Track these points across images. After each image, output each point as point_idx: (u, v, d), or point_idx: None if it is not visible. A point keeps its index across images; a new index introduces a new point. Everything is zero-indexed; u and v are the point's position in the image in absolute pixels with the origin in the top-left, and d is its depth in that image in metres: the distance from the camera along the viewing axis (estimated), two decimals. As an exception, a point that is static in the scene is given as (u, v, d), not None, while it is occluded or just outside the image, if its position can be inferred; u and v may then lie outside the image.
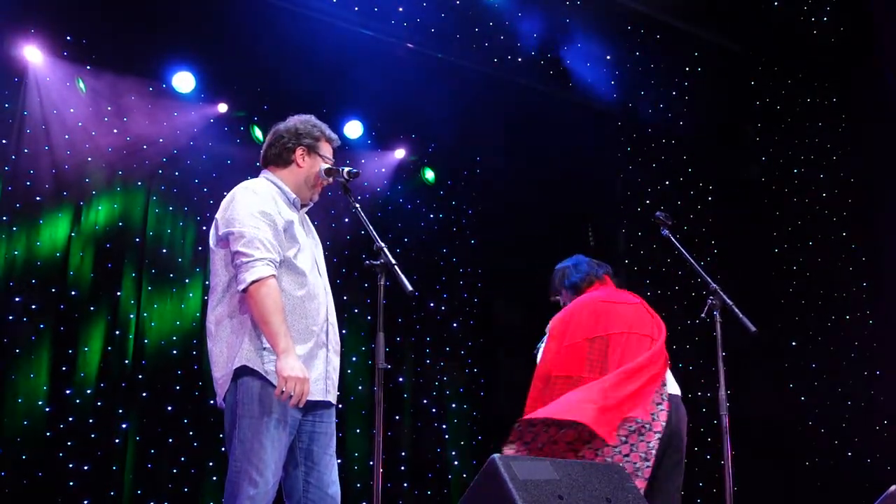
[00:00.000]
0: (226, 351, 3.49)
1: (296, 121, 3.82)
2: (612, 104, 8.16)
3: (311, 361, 3.50)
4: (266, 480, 3.35)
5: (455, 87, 7.74)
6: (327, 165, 3.74)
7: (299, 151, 3.74)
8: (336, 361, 3.67)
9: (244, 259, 3.40)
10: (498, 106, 7.97)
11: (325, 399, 3.56)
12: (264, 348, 3.42)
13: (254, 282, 3.36)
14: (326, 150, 3.79)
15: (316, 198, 3.80)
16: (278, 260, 3.46)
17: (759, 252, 7.44)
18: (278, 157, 3.76)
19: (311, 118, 3.84)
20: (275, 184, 3.71)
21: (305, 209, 3.82)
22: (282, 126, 3.83)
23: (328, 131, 3.83)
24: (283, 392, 3.29)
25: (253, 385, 3.41)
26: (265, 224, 3.47)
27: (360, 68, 7.24)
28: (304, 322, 3.51)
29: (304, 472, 3.56)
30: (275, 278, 3.40)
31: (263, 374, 3.40)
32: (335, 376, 3.65)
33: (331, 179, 3.75)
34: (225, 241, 3.52)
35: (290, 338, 3.36)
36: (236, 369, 3.43)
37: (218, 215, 3.59)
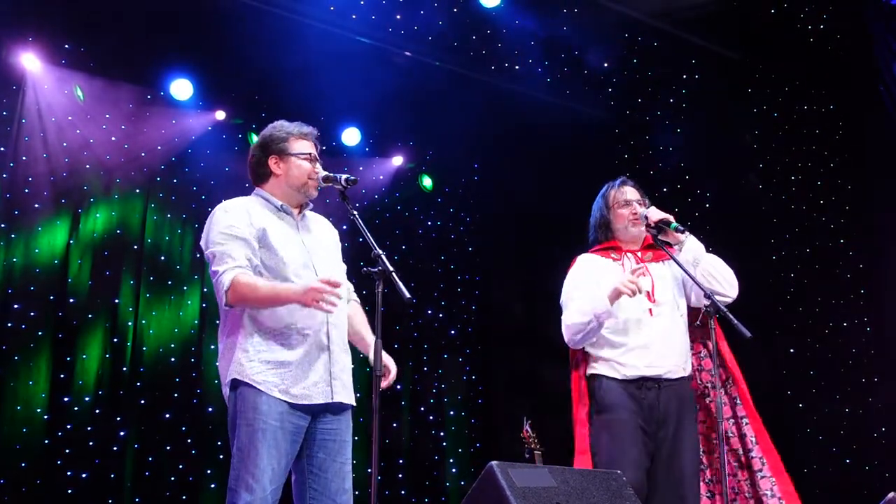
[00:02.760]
0: (226, 366, 3.54)
1: (263, 133, 3.84)
2: (609, 111, 8.17)
3: (307, 366, 3.51)
4: (263, 487, 3.35)
5: (452, 94, 7.76)
6: (306, 162, 3.73)
7: (272, 161, 3.75)
8: (344, 360, 3.65)
9: (216, 278, 3.48)
10: (495, 113, 7.97)
11: (333, 401, 3.54)
12: (253, 360, 3.45)
13: (226, 292, 3.42)
14: (300, 146, 3.76)
15: (313, 193, 3.77)
16: (246, 265, 3.49)
17: (756, 259, 7.43)
18: (257, 175, 3.80)
19: (277, 123, 3.83)
20: (261, 196, 3.74)
21: (305, 209, 3.82)
22: (252, 144, 3.88)
23: (296, 128, 3.80)
24: (318, 303, 3.31)
25: (248, 394, 3.43)
26: (231, 240, 3.53)
27: (357, 76, 7.25)
28: (293, 327, 3.52)
29: (311, 480, 3.55)
30: (241, 272, 3.44)
31: (255, 384, 3.43)
32: (344, 376, 3.62)
33: (319, 168, 3.74)
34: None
35: (279, 286, 3.45)
36: (230, 382, 3.49)
37: (202, 241, 3.67)
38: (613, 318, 4.30)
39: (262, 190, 3.78)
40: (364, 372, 7.94)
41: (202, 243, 3.63)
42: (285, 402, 3.43)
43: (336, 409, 3.59)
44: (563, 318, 4.42)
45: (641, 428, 4.22)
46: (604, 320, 4.26)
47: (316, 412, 3.54)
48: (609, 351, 4.34)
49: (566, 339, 4.39)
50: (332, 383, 3.55)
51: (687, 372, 4.40)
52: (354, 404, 3.64)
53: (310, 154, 3.76)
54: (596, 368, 4.36)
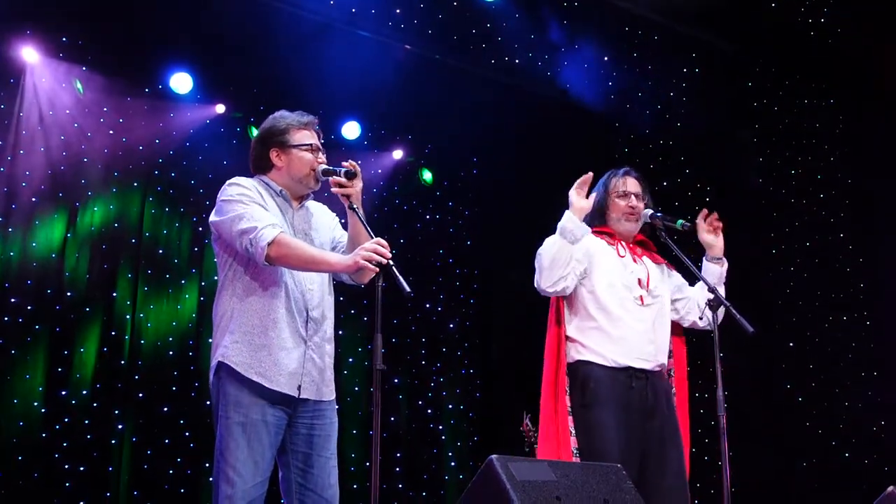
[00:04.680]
0: (214, 350, 3.52)
1: (263, 125, 3.81)
2: (608, 106, 8.14)
3: (283, 356, 3.47)
4: (244, 479, 3.34)
5: (452, 88, 7.75)
6: (307, 153, 3.69)
7: (273, 154, 3.71)
8: (320, 357, 3.59)
9: (254, 234, 3.39)
10: (495, 107, 7.96)
11: (301, 397, 3.50)
12: (238, 342, 3.44)
13: (269, 244, 3.37)
14: (300, 136, 3.72)
15: (314, 185, 3.74)
16: (278, 223, 3.47)
17: (756, 253, 7.42)
18: (258, 167, 3.77)
19: (278, 114, 3.80)
20: (262, 180, 3.71)
21: (306, 200, 3.80)
22: (253, 138, 3.86)
23: (297, 118, 3.76)
24: (373, 259, 3.32)
25: (230, 385, 3.42)
26: (253, 203, 3.51)
27: (357, 69, 7.24)
28: (274, 315, 3.49)
29: (296, 475, 3.54)
30: (284, 233, 3.43)
31: (235, 367, 3.41)
32: (315, 373, 3.56)
33: (322, 158, 3.72)
34: (218, 234, 3.56)
35: (328, 252, 3.58)
36: (215, 366, 3.48)
37: (211, 217, 3.60)
38: (601, 294, 4.23)
39: (263, 176, 3.75)
40: (363, 366, 7.99)
41: (214, 216, 3.56)
42: (266, 391, 3.41)
43: (315, 403, 3.56)
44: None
45: (629, 420, 4.14)
46: (570, 238, 4.17)
47: (296, 405, 3.51)
48: (599, 336, 4.21)
49: (538, 279, 4.21)
50: (302, 379, 3.51)
51: (664, 368, 4.38)
52: (325, 399, 3.59)
53: (311, 145, 3.72)
54: (583, 354, 4.21)
